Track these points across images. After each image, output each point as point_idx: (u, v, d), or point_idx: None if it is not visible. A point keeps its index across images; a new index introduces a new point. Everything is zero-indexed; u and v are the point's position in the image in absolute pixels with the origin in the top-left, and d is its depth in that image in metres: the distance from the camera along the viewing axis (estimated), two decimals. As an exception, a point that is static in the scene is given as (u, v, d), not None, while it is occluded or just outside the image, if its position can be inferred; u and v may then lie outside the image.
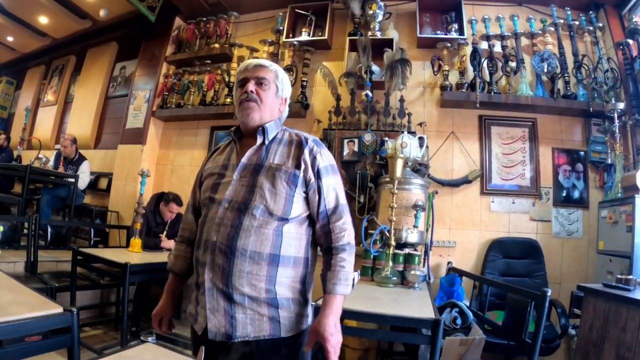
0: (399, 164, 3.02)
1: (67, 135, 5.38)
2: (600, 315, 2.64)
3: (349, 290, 1.44)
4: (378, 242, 3.00)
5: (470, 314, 2.94)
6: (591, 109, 3.84)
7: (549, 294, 2.22)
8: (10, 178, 5.74)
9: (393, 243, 2.96)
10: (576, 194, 4.00)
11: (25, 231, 3.80)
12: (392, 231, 2.98)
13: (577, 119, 4.09)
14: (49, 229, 4.13)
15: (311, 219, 1.49)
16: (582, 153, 4.03)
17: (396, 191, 3.03)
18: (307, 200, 1.46)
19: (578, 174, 4.02)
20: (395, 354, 3.47)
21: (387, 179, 3.41)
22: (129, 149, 5.15)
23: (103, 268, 3.41)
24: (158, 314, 1.63)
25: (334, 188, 1.47)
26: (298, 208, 1.43)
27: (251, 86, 1.49)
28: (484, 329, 2.92)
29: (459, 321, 2.89)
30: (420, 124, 3.96)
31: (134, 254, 3.51)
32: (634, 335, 2.31)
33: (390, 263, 2.92)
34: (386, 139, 3.82)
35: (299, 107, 4.17)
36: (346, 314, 2.09)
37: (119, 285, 3.93)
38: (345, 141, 3.98)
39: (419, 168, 3.62)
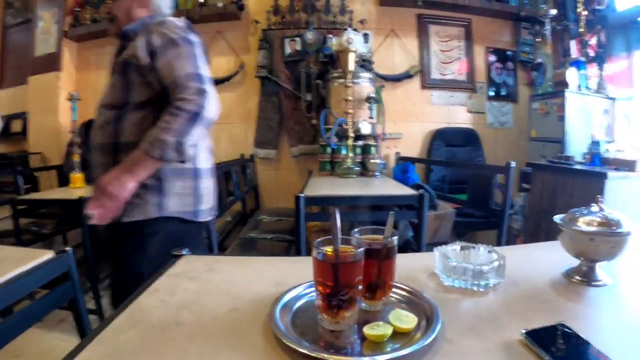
0: (351, 57, 3.03)
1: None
2: (549, 186, 3.01)
3: (154, 152, 1.32)
4: (335, 135, 3.03)
5: (434, 193, 3.09)
6: (522, 13, 4.15)
7: (512, 165, 2.45)
8: None
9: (352, 135, 3.01)
10: (507, 89, 4.36)
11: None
12: (350, 123, 3.02)
13: (508, 22, 4.39)
14: None
15: (161, 103, 1.42)
16: (511, 53, 4.37)
17: (351, 84, 3.04)
18: (149, 84, 1.44)
19: (508, 72, 4.37)
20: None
21: (337, 74, 3.42)
22: (43, 80, 4.54)
23: (46, 212, 3.18)
24: None
25: (169, 62, 1.39)
26: (137, 95, 1.45)
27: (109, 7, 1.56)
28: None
29: (426, 201, 3.06)
30: (361, 22, 3.96)
31: (78, 190, 3.12)
32: (581, 200, 2.61)
33: (351, 154, 2.98)
34: (330, 36, 3.79)
35: (233, 8, 3.94)
36: (331, 200, 2.20)
37: (65, 230, 3.58)
38: (287, 41, 3.88)
39: (364, 64, 3.65)
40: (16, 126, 4.99)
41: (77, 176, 3.27)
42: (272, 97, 4.00)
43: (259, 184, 4.20)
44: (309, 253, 3.10)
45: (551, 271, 0.94)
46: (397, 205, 2.37)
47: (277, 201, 4.21)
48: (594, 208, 0.90)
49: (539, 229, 3.09)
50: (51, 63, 4.45)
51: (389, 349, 0.62)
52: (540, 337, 0.61)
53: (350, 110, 3.02)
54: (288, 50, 3.89)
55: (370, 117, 3.29)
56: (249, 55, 4.08)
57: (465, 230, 3.64)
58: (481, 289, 0.84)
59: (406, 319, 0.67)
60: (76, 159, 3.30)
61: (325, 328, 0.69)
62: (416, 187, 3.10)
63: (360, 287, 0.69)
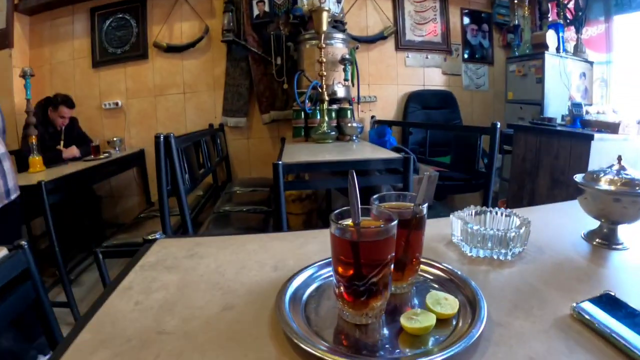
0: (325, 17, 2.86)
1: None
2: (532, 148, 3.00)
3: None
4: (309, 100, 2.89)
5: (414, 156, 2.99)
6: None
7: (498, 125, 2.38)
8: None
9: (327, 98, 2.89)
10: (482, 52, 4.27)
11: None
12: (324, 86, 2.88)
13: (484, -17, 4.25)
14: None
15: None
16: (487, 15, 4.26)
17: (324, 45, 2.90)
18: None
19: (484, 34, 4.27)
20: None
21: (309, 36, 3.24)
22: None
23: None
24: None
25: None
26: None
27: None
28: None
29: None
30: (332, -20, 3.73)
31: (38, 174, 2.88)
32: (566, 161, 2.66)
33: (326, 119, 2.86)
34: (299, -5, 3.56)
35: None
36: (312, 166, 2.13)
37: (30, 219, 3.38)
38: (254, 2, 3.62)
39: (336, 25, 3.46)
40: None
41: (35, 159, 3.01)
42: (241, 62, 3.77)
43: (230, 155, 4.01)
44: (289, 226, 3.05)
45: (569, 235, 0.87)
46: (378, 170, 2.26)
47: (249, 172, 4.05)
48: (615, 167, 0.81)
49: (523, 191, 3.06)
50: (1, 39, 4.02)
51: (432, 343, 0.51)
52: (592, 309, 0.55)
53: (324, 73, 2.89)
54: (256, 12, 3.63)
55: (345, 80, 3.15)
56: (214, 20, 3.82)
57: (445, 193, 3.58)
58: (508, 258, 0.75)
59: (446, 303, 0.56)
60: (33, 141, 3.01)
61: (348, 321, 0.56)
62: (397, 150, 3.01)
63: (392, 266, 0.56)
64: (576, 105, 2.99)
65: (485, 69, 4.30)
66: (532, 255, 0.77)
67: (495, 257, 0.76)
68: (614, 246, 0.80)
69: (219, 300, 0.63)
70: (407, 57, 4.03)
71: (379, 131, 3.46)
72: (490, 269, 0.72)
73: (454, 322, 0.54)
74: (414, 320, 0.52)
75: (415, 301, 0.61)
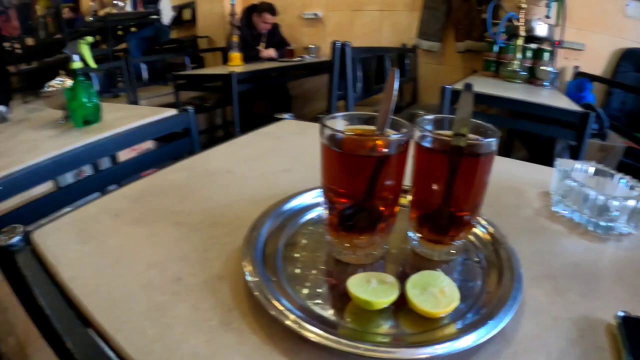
0: None
1: (138, -24, 5.09)
2: None
3: None
4: (504, 32, 2.66)
5: (607, 120, 2.60)
6: None
7: None
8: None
9: (523, 34, 2.62)
10: None
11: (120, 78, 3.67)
12: (522, 20, 2.60)
13: None
14: (144, 68, 3.90)
15: None
16: None
17: None
18: None
19: None
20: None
21: None
22: None
23: (207, 86, 3.44)
24: None
25: None
26: None
27: None
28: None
29: (594, 125, 2.58)
30: None
31: (236, 67, 3.40)
32: None
33: (519, 56, 2.62)
34: None
35: None
36: (483, 99, 1.99)
37: (223, 105, 3.92)
38: None
39: None
40: (186, 14, 5.49)
41: (234, 55, 3.58)
42: (441, -16, 3.57)
43: (418, 77, 3.96)
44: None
45: None
46: (558, 122, 2.02)
47: (436, 97, 3.94)
48: None
49: None
50: None
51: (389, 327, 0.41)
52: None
53: (524, 5, 2.60)
54: None
55: (547, 17, 2.78)
56: None
57: (633, 175, 3.03)
58: (599, 232, 0.60)
59: (441, 298, 0.42)
60: (235, 39, 3.51)
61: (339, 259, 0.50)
62: (587, 108, 2.64)
63: (395, 197, 0.48)
64: None
65: None
66: (638, 243, 0.59)
67: (584, 224, 0.62)
68: None
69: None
70: (629, 5, 3.28)
71: (577, 84, 3.02)
72: (566, 234, 0.61)
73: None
74: (364, 287, 0.42)
75: (433, 268, 0.48)
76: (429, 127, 0.51)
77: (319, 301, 0.44)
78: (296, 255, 0.52)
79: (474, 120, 0.46)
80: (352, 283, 0.42)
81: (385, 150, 0.44)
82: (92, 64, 1.50)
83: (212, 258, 0.52)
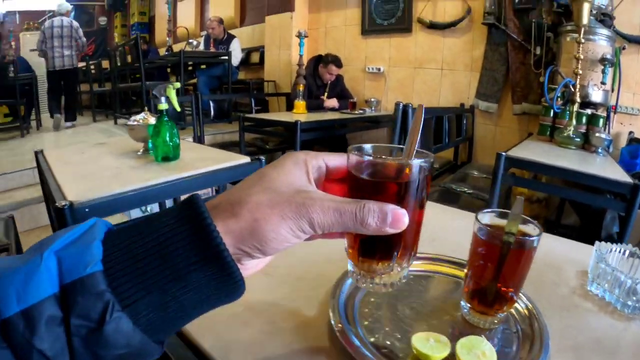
0: (586, 8, 2.61)
1: (213, 17, 5.55)
2: None
3: None
4: (560, 98, 2.74)
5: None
6: None
7: None
8: (163, 72, 6.26)
9: (578, 100, 2.66)
10: None
11: (188, 110, 3.94)
12: (578, 86, 2.67)
13: None
14: (211, 105, 4.21)
15: None
16: None
17: (583, 40, 2.64)
18: None
19: None
20: (562, 227, 3.12)
21: (570, 28, 2.96)
22: (278, 19, 5.14)
23: (270, 130, 3.65)
24: None
25: None
26: None
27: None
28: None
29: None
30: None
31: (299, 115, 3.60)
32: None
33: (574, 122, 2.64)
34: (565, -17, 3.23)
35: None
36: (532, 166, 2.08)
37: (284, 148, 4.12)
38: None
39: (603, 19, 3.07)
40: (255, 57, 6.00)
41: (299, 103, 3.80)
42: (500, 47, 3.71)
43: (475, 137, 4.06)
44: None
45: None
46: (610, 192, 2.04)
47: (491, 158, 4.00)
48: None
49: None
50: (284, 5, 5.03)
51: None
52: None
53: (580, 72, 2.65)
54: (517, -3, 3.48)
55: (603, 83, 2.83)
56: (477, 1, 3.81)
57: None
58: (627, 311, 0.69)
59: (482, 359, 0.52)
60: (300, 88, 3.77)
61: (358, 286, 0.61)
62: (638, 176, 2.66)
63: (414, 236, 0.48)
64: None
65: None
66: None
67: (613, 304, 0.71)
68: None
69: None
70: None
71: (632, 150, 3.01)
72: (594, 312, 0.69)
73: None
74: (427, 344, 0.54)
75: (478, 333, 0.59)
76: (486, 221, 0.63)
77: (386, 350, 0.56)
78: (366, 310, 0.65)
79: (523, 215, 0.59)
80: (416, 339, 0.55)
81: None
82: (177, 107, 1.71)
83: (300, 307, 0.65)
